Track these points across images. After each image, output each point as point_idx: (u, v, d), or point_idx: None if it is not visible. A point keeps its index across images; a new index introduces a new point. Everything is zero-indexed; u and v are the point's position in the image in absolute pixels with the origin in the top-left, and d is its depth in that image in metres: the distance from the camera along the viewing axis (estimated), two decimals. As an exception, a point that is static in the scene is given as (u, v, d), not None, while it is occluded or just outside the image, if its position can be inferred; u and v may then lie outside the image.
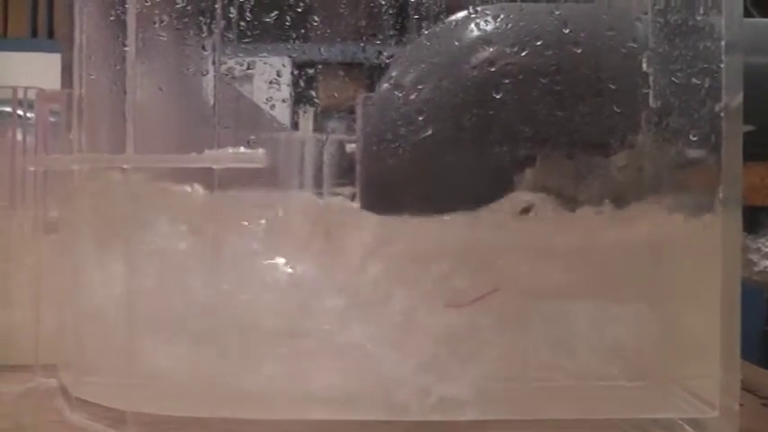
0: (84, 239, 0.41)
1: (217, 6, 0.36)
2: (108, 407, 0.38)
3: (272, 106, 0.40)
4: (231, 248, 0.39)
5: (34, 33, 1.98)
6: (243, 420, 0.37)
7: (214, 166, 0.35)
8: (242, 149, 0.35)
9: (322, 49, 0.40)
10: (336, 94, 0.41)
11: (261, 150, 0.35)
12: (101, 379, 0.40)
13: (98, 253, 0.41)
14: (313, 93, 0.40)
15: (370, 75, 0.40)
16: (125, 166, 0.36)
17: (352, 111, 0.40)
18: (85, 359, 0.41)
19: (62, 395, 0.42)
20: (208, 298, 0.38)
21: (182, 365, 0.38)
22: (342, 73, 0.40)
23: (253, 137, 0.39)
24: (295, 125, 0.42)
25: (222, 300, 0.38)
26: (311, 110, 0.42)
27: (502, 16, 0.36)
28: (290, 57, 0.39)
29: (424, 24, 0.38)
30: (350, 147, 0.41)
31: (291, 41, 0.39)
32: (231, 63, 0.38)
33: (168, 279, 0.39)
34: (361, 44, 0.39)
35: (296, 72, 0.40)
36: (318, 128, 0.42)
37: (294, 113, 0.41)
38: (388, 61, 0.39)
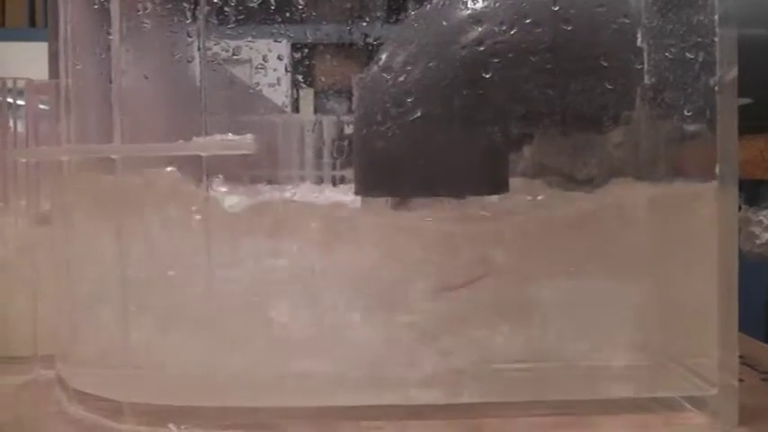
0: (77, 230, 0.41)
1: (201, -8, 0.35)
2: (105, 398, 0.38)
3: (264, 89, 0.39)
4: (225, 238, 0.38)
5: (32, 23, 1.97)
6: (239, 409, 0.37)
7: (202, 154, 0.35)
8: (230, 136, 0.35)
9: (316, 30, 0.39)
10: (333, 75, 0.41)
11: (249, 136, 0.35)
12: (97, 370, 0.40)
13: (91, 243, 0.41)
14: (309, 74, 0.40)
15: (368, 54, 0.39)
16: (113, 156, 0.35)
17: (350, 91, 0.40)
18: (82, 350, 0.41)
19: (60, 386, 0.42)
20: (202, 287, 0.37)
21: (177, 355, 0.38)
22: (339, 53, 0.40)
23: (243, 118, 0.39)
24: (294, 108, 0.41)
25: (217, 289, 0.37)
26: (309, 91, 0.41)
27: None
28: (278, 40, 0.38)
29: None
30: (348, 128, 0.41)
31: (282, 23, 0.38)
32: (218, 48, 0.37)
33: (163, 269, 0.39)
34: (356, 23, 0.39)
35: (292, 54, 0.39)
36: (317, 109, 0.42)
37: (292, 96, 0.41)
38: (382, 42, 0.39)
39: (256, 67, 0.37)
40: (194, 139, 0.35)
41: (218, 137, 0.35)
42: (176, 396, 0.36)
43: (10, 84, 0.46)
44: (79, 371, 0.41)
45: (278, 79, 0.38)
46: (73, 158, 0.39)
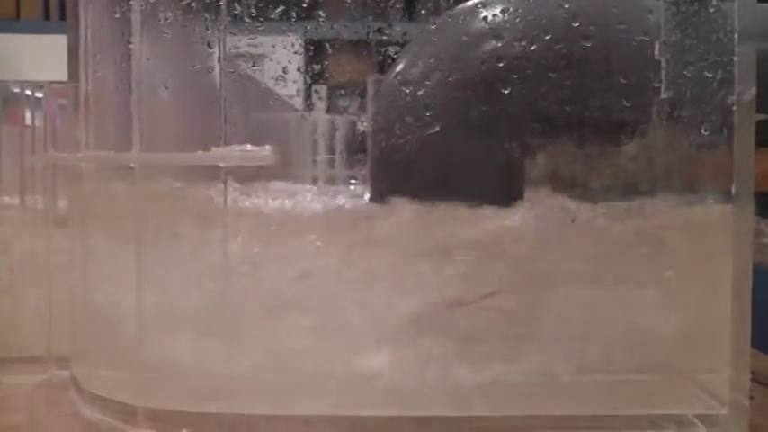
0: (94, 233, 0.41)
1: (221, 2, 0.35)
2: (119, 401, 0.38)
3: (281, 91, 0.39)
4: (242, 242, 0.39)
5: (47, 16, 1.98)
6: (255, 416, 0.37)
7: (221, 164, 0.35)
8: (249, 147, 0.35)
9: (332, 29, 0.39)
10: (348, 75, 0.41)
11: (267, 147, 0.35)
12: (113, 372, 0.41)
13: (107, 247, 0.41)
14: (323, 75, 0.40)
15: (382, 54, 0.39)
16: (132, 165, 0.36)
17: (364, 90, 0.40)
18: (97, 353, 0.41)
19: (74, 388, 0.42)
20: (220, 292, 0.38)
21: (194, 360, 0.38)
22: (353, 52, 0.40)
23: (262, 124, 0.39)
24: (308, 108, 0.41)
25: (234, 294, 0.38)
26: (323, 92, 0.41)
27: (510, 9, 0.36)
28: (297, 51, 0.38)
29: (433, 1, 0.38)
30: (361, 128, 0.41)
31: (298, 31, 0.38)
32: (240, 60, 0.37)
33: (180, 272, 0.39)
34: (372, 22, 0.39)
35: (306, 58, 0.39)
36: (331, 109, 0.42)
37: (307, 96, 0.41)
38: (400, 41, 0.39)
39: (276, 79, 0.38)
40: (213, 149, 0.35)
41: (236, 147, 0.35)
42: (191, 402, 0.37)
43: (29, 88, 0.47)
44: (94, 372, 0.41)
45: (297, 91, 0.38)
46: (90, 166, 0.39)
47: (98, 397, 0.39)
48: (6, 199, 0.49)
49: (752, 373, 0.37)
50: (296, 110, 0.40)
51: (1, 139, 0.50)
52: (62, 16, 1.93)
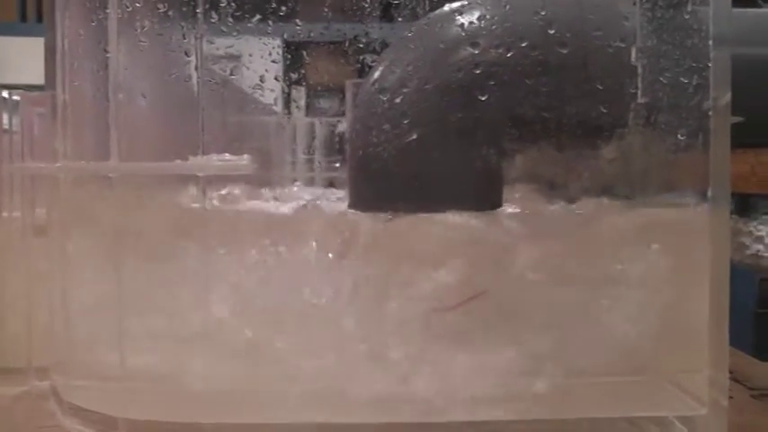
0: (73, 243, 0.41)
1: (198, 11, 0.35)
2: (100, 412, 0.38)
3: (258, 96, 0.39)
4: (223, 248, 0.38)
5: (23, 18, 1.96)
6: (237, 425, 0.37)
7: (199, 174, 0.35)
8: (227, 156, 0.35)
9: (309, 35, 0.39)
10: (326, 77, 0.41)
11: (246, 157, 0.35)
12: (92, 383, 0.41)
13: (87, 256, 0.41)
14: (302, 78, 0.40)
15: (359, 55, 0.39)
16: (110, 175, 0.36)
17: (341, 92, 0.40)
18: (76, 363, 0.41)
19: (54, 399, 0.42)
20: (200, 300, 0.38)
21: (174, 370, 0.38)
22: (332, 54, 0.40)
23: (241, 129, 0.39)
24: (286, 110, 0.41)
25: (215, 302, 0.38)
26: (302, 94, 0.41)
27: (486, 16, 0.36)
28: (275, 60, 0.38)
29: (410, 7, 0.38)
30: (340, 128, 0.41)
31: (276, 36, 0.38)
32: (217, 67, 0.37)
33: (161, 281, 0.39)
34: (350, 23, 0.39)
35: (282, 63, 0.39)
36: (310, 112, 0.42)
37: (285, 100, 0.41)
38: (377, 41, 0.39)
39: (254, 87, 0.38)
40: (191, 158, 0.35)
41: (214, 157, 0.35)
42: (173, 412, 0.37)
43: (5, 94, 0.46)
44: (74, 383, 0.41)
45: (275, 100, 0.38)
46: (68, 176, 0.39)
47: (78, 408, 0.39)
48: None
49: (730, 372, 0.37)
50: (274, 113, 0.40)
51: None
52: (39, 18, 1.92)
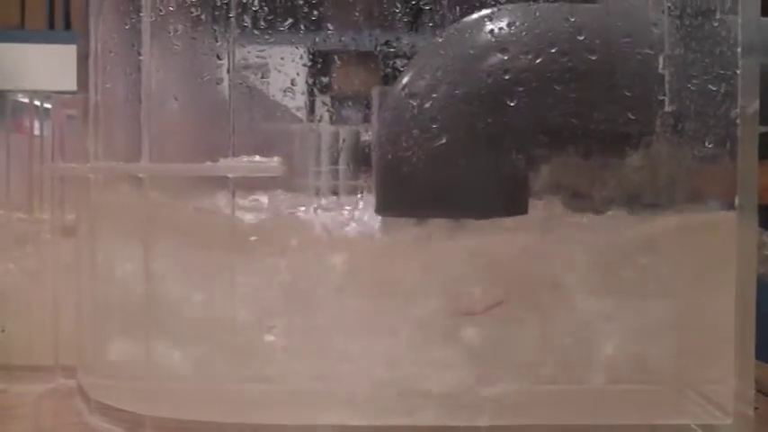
0: (102, 243, 0.42)
1: (231, 15, 0.36)
2: (126, 410, 0.39)
3: (288, 102, 0.40)
4: (249, 255, 0.39)
5: (51, 25, 1.98)
6: (261, 425, 0.37)
7: (229, 175, 0.35)
8: (257, 158, 0.35)
9: (338, 40, 0.39)
10: (353, 85, 0.41)
11: (276, 159, 0.35)
12: (119, 382, 0.41)
13: (115, 256, 0.41)
14: (329, 86, 0.40)
15: (386, 64, 0.39)
16: (140, 175, 0.36)
17: (368, 101, 0.40)
18: (104, 362, 0.42)
19: (81, 397, 0.42)
20: (226, 304, 0.38)
21: (200, 370, 0.38)
22: (359, 63, 0.40)
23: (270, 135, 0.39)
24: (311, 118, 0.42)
25: (241, 305, 0.38)
26: (328, 103, 0.42)
27: (516, 22, 0.36)
28: (304, 64, 0.38)
29: (439, 14, 0.38)
30: (365, 138, 0.41)
31: (306, 43, 0.39)
32: (248, 72, 0.38)
33: (188, 282, 0.40)
34: (376, 33, 0.39)
35: (312, 70, 0.39)
36: (336, 120, 0.42)
37: (311, 107, 0.41)
38: (404, 51, 0.39)
39: (284, 91, 0.38)
40: (221, 160, 0.35)
41: (245, 158, 0.35)
42: (199, 411, 0.37)
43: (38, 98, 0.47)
44: (101, 382, 0.41)
45: (305, 103, 0.39)
46: (99, 177, 0.40)
47: (105, 406, 0.40)
48: (14, 208, 0.49)
49: (756, 383, 0.37)
50: (302, 120, 0.41)
51: (9, 148, 0.50)
52: (67, 25, 1.95)
